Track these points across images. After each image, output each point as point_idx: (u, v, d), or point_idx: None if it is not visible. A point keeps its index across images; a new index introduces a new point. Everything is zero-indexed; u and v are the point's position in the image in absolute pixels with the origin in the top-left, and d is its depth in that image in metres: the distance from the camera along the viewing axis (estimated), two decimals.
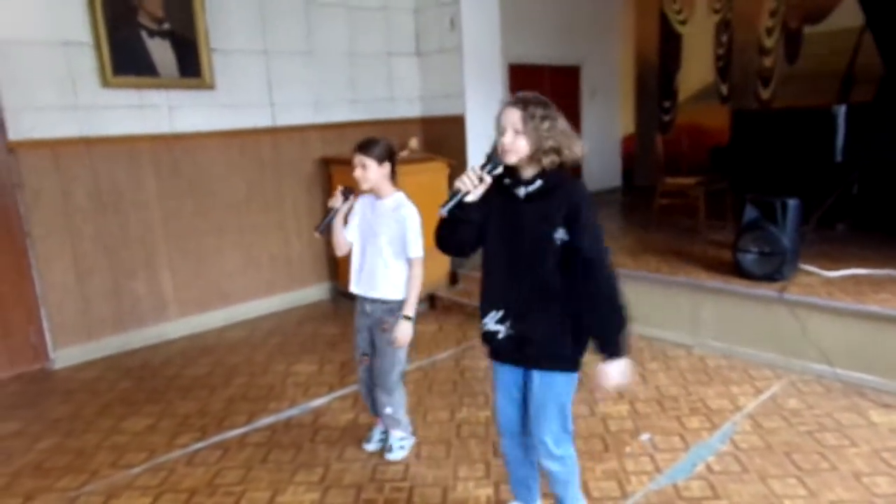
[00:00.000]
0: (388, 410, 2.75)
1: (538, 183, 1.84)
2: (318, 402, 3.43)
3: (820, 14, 6.71)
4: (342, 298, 5.27)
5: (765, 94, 7.26)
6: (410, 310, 2.60)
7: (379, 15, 5.58)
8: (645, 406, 3.21)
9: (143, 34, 4.29)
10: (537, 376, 1.95)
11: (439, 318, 4.70)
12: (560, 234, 1.82)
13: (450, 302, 4.85)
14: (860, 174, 4.64)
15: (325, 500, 2.53)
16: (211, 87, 4.61)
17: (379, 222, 2.58)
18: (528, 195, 1.85)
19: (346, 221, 2.67)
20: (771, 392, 3.28)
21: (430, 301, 4.97)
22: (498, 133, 1.84)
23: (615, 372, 1.82)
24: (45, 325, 4.08)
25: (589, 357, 1.94)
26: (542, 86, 7.61)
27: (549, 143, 1.78)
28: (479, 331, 2.02)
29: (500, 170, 1.81)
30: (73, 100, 4.03)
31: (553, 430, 1.97)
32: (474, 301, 4.68)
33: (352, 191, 2.57)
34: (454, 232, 1.90)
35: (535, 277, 1.86)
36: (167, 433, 3.14)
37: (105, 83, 4.13)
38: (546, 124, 1.78)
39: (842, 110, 4.23)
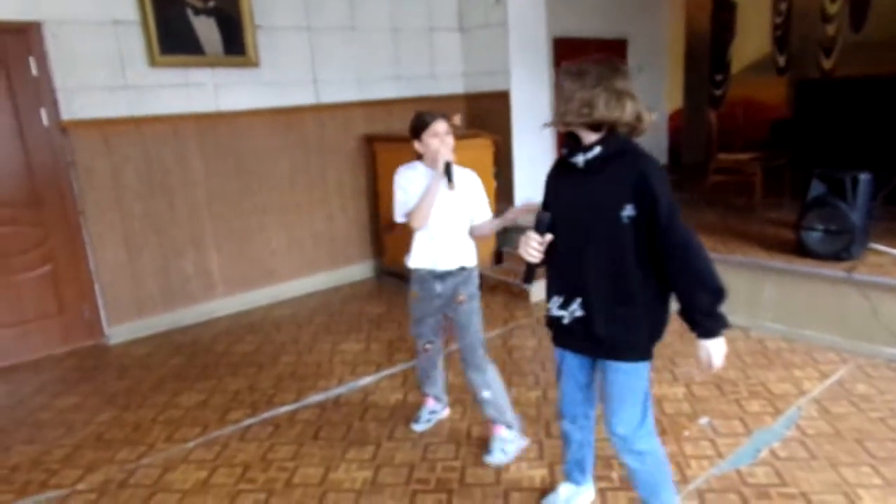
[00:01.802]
0: (487, 395, 2.58)
1: (597, 150, 1.70)
2: (366, 380, 3.42)
3: None
4: (386, 277, 5.25)
5: (827, 64, 6.87)
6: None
7: None
8: (702, 389, 3.09)
9: (189, 12, 4.28)
10: (609, 366, 1.84)
11: (485, 298, 4.52)
12: (628, 212, 1.68)
13: (495, 281, 4.77)
14: None
15: (378, 478, 2.52)
16: (255, 64, 4.59)
17: (448, 192, 2.48)
18: (588, 163, 1.72)
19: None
20: (837, 376, 3.13)
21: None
22: None
23: (705, 352, 1.71)
24: (100, 301, 4.17)
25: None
26: None
27: (573, 106, 1.68)
28: (546, 314, 1.94)
29: (548, 236, 1.79)
30: (121, 79, 4.06)
31: (628, 422, 1.84)
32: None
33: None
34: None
35: (602, 262, 1.73)
36: (219, 409, 3.18)
37: (153, 62, 4.15)
38: (571, 84, 1.69)
39: None
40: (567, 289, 1.82)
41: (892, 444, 2.51)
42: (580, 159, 1.73)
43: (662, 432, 2.70)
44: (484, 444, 2.67)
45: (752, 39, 7.57)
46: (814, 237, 3.61)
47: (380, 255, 5.38)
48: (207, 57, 4.41)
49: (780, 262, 3.71)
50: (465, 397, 3.08)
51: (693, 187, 6.05)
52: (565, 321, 1.83)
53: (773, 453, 2.51)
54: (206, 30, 4.38)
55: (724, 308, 1.69)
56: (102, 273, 4.14)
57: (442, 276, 2.56)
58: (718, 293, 1.66)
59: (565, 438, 2.15)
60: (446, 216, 2.51)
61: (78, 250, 4.08)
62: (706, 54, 7.99)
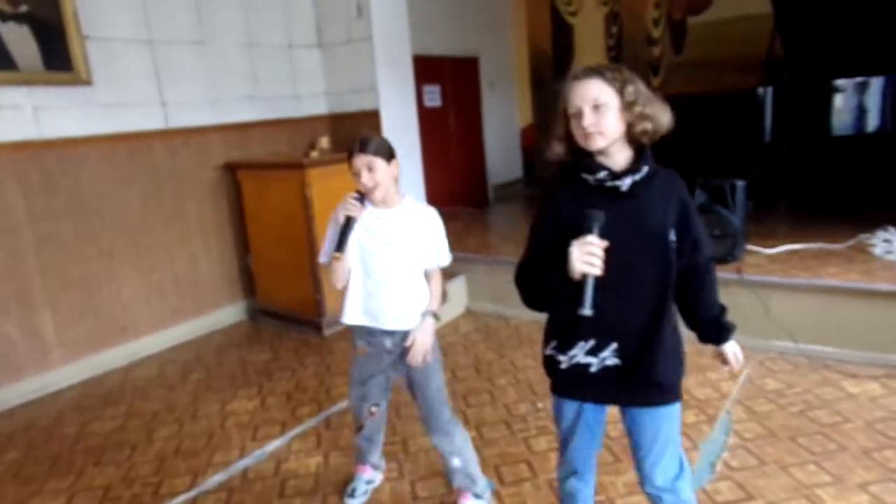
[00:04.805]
0: (457, 463, 2.23)
1: (645, 169, 1.48)
2: (273, 444, 2.92)
3: (701, 5, 7.08)
4: (262, 317, 4.68)
5: (655, 82, 7.55)
6: (436, 306, 2.18)
7: None
8: None
9: None
10: (651, 414, 1.63)
11: None
12: (672, 236, 1.53)
13: None
14: (764, 155, 4.88)
15: None
16: (87, 82, 3.84)
17: (402, 238, 2.08)
18: (635, 185, 1.48)
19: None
20: (745, 375, 3.28)
21: None
22: (571, 118, 1.49)
23: (733, 352, 1.77)
24: None
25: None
26: (444, 77, 7.38)
27: (640, 110, 1.46)
28: (544, 360, 1.68)
29: (604, 241, 1.39)
30: None
31: (671, 472, 1.66)
32: None
33: (365, 196, 2.06)
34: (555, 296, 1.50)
35: (647, 296, 1.53)
36: None
37: None
38: (631, 88, 1.46)
39: (769, 92, 4.40)
40: (600, 331, 1.54)
41: (821, 438, 2.64)
42: (626, 182, 1.47)
43: (616, 459, 2.60)
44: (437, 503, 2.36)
45: (589, 59, 8.09)
46: None
47: (252, 295, 4.79)
48: (22, 73, 3.60)
49: None
50: (394, 449, 2.76)
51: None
52: (592, 369, 1.58)
53: (727, 465, 2.51)
54: (19, 40, 3.57)
55: None
56: None
57: (390, 332, 2.15)
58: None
59: (571, 499, 1.84)
60: (386, 268, 2.09)
61: None
62: (550, 73, 8.41)
